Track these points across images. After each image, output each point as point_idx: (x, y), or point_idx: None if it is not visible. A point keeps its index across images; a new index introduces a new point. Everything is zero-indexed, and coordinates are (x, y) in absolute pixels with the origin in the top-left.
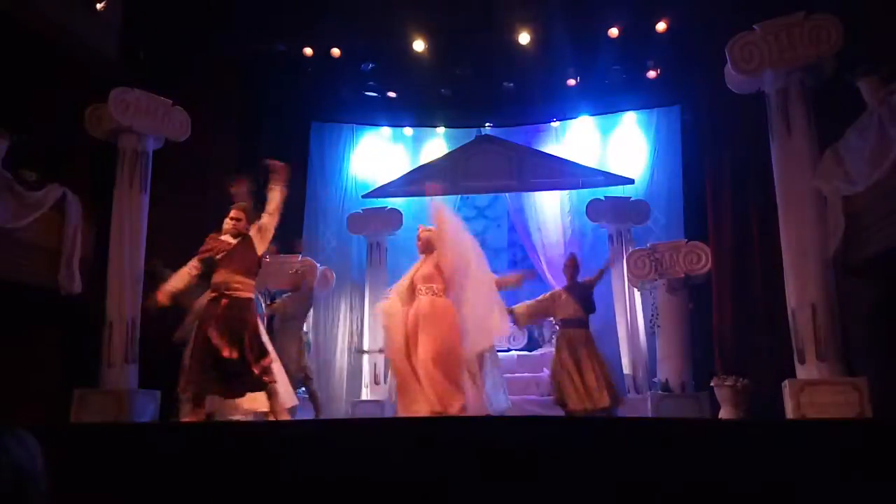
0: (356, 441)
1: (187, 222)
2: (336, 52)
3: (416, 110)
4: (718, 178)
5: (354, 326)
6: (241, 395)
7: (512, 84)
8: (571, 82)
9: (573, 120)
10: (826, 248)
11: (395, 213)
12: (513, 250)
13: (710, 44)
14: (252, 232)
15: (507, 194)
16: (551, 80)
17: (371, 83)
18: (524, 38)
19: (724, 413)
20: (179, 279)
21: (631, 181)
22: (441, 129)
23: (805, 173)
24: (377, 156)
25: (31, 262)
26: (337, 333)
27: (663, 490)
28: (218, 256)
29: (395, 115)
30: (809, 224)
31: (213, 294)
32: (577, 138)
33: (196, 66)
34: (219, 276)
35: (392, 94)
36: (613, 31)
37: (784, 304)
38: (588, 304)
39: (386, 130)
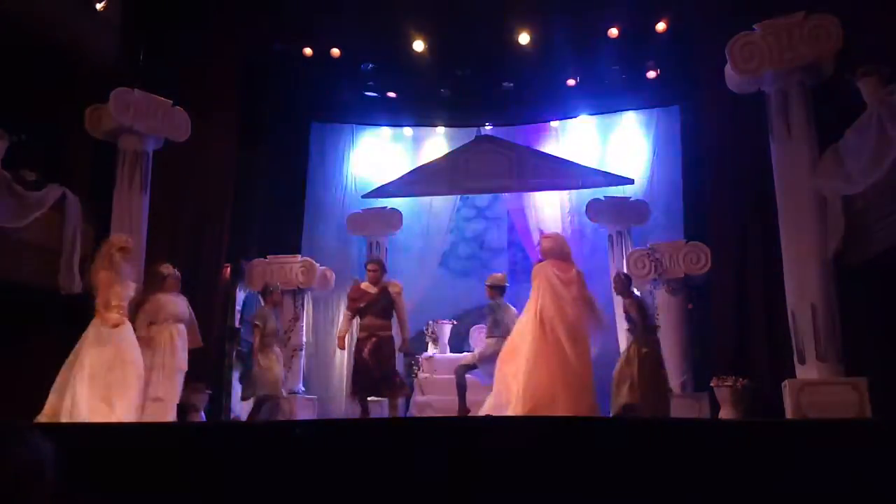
0: (356, 441)
1: (187, 223)
2: (336, 52)
3: (416, 110)
4: (718, 178)
5: (354, 327)
6: (383, 396)
7: (512, 84)
8: (571, 82)
9: (573, 120)
10: (826, 248)
11: (395, 213)
12: (513, 250)
13: (710, 44)
14: (393, 291)
15: (506, 194)
16: (551, 80)
17: (371, 83)
18: (524, 38)
19: (724, 413)
20: (344, 326)
21: (631, 181)
22: (441, 129)
23: (805, 173)
24: (377, 156)
25: (32, 262)
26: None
27: (663, 490)
28: (363, 304)
29: (395, 115)
30: (809, 224)
31: (365, 333)
32: (577, 138)
33: (196, 67)
34: (367, 321)
35: (392, 94)
36: (613, 32)
37: (784, 304)
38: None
39: (386, 130)
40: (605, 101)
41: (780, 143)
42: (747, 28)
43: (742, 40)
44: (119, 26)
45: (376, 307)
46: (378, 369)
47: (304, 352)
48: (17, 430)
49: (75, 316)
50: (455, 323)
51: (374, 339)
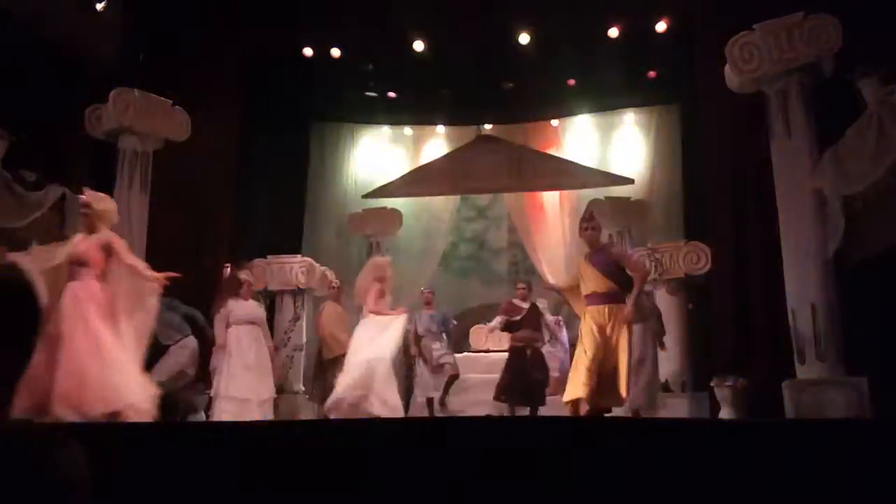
0: (355, 441)
1: (187, 223)
2: (336, 52)
3: (416, 110)
4: (718, 178)
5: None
6: (529, 403)
7: (512, 84)
8: (571, 82)
9: (573, 119)
10: (826, 248)
11: (395, 213)
12: (513, 250)
13: (710, 44)
14: (541, 306)
15: (506, 194)
16: (551, 80)
17: (371, 83)
18: (524, 38)
19: (724, 413)
20: (491, 335)
21: (631, 181)
22: (441, 129)
23: (805, 173)
24: (377, 156)
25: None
26: None
27: (663, 490)
28: (517, 318)
29: (395, 115)
30: (809, 224)
31: (521, 344)
32: (577, 138)
33: (196, 66)
34: (523, 332)
35: (392, 94)
36: (613, 31)
37: (784, 304)
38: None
39: (386, 130)
40: (605, 101)
41: (780, 143)
42: (747, 28)
43: (742, 40)
44: (119, 26)
45: (530, 322)
46: (536, 374)
47: (304, 352)
48: (55, 440)
49: None
50: (455, 323)
51: (530, 349)
